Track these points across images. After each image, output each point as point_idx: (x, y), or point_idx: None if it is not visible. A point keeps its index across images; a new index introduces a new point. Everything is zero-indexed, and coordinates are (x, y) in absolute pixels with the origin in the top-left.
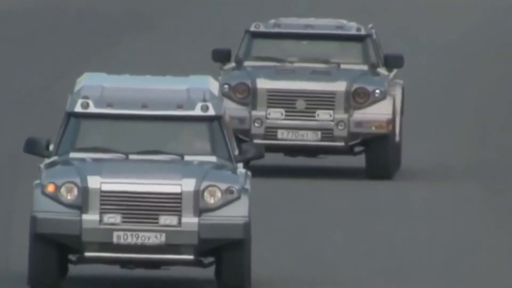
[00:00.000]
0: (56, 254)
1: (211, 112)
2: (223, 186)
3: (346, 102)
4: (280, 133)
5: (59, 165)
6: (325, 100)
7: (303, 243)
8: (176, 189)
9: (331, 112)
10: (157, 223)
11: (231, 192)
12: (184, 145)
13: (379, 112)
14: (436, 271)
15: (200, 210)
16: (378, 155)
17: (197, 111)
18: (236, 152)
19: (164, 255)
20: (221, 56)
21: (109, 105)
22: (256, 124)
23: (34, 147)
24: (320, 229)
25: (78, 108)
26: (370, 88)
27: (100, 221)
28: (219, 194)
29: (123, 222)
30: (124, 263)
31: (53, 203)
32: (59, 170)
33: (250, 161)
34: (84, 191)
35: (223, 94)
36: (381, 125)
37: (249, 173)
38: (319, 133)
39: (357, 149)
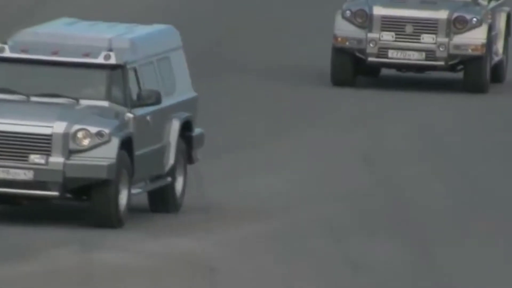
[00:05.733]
0: None
1: (113, 60)
2: (94, 129)
3: (447, 28)
4: (391, 53)
5: None
6: (429, 26)
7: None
8: (47, 130)
9: (434, 36)
10: (26, 161)
11: (101, 135)
12: (82, 90)
13: (475, 37)
14: None
15: (70, 151)
16: (473, 73)
17: (100, 59)
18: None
19: (32, 191)
20: None
21: (24, 51)
22: (371, 45)
23: None
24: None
25: None
26: (468, 16)
27: None
28: (89, 137)
29: None
30: None
31: None
32: None
33: (146, 106)
34: None
35: (345, 19)
36: (476, 48)
37: (147, 118)
38: (423, 53)
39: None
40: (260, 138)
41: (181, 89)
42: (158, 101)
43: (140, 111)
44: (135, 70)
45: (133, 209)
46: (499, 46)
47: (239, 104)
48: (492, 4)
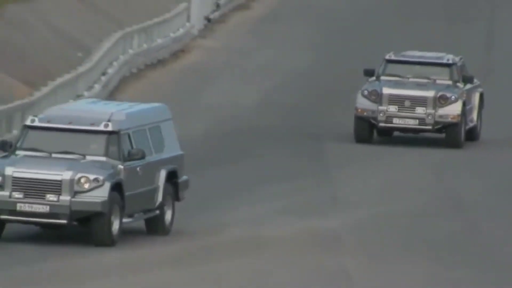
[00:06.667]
0: None
1: (110, 128)
2: (92, 176)
3: (433, 103)
4: (395, 120)
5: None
6: (421, 101)
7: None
8: (58, 177)
9: (424, 108)
10: (44, 198)
11: (97, 181)
12: (88, 148)
13: (453, 109)
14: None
15: (75, 191)
16: (452, 135)
17: (101, 127)
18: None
19: (48, 220)
20: (369, 73)
21: (49, 121)
22: (381, 114)
23: (3, 146)
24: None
25: (28, 122)
26: (448, 94)
27: (10, 196)
28: (88, 182)
29: (25, 197)
30: (23, 223)
31: None
32: None
33: (135, 160)
34: (3, 176)
35: (364, 96)
36: (454, 117)
37: (137, 168)
38: (417, 120)
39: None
40: (361, 160)
41: (169, 148)
42: (143, 156)
43: (131, 164)
44: (128, 135)
45: (285, 205)
46: (474, 115)
47: (337, 145)
48: (468, 86)
